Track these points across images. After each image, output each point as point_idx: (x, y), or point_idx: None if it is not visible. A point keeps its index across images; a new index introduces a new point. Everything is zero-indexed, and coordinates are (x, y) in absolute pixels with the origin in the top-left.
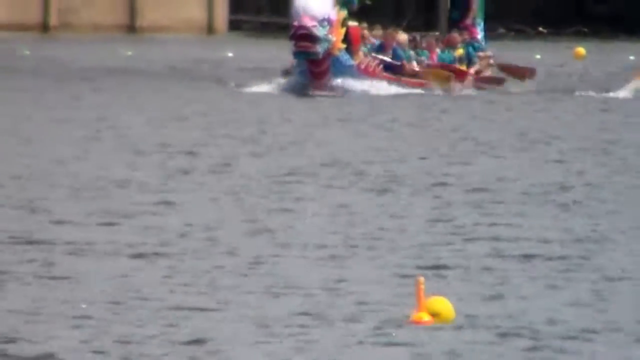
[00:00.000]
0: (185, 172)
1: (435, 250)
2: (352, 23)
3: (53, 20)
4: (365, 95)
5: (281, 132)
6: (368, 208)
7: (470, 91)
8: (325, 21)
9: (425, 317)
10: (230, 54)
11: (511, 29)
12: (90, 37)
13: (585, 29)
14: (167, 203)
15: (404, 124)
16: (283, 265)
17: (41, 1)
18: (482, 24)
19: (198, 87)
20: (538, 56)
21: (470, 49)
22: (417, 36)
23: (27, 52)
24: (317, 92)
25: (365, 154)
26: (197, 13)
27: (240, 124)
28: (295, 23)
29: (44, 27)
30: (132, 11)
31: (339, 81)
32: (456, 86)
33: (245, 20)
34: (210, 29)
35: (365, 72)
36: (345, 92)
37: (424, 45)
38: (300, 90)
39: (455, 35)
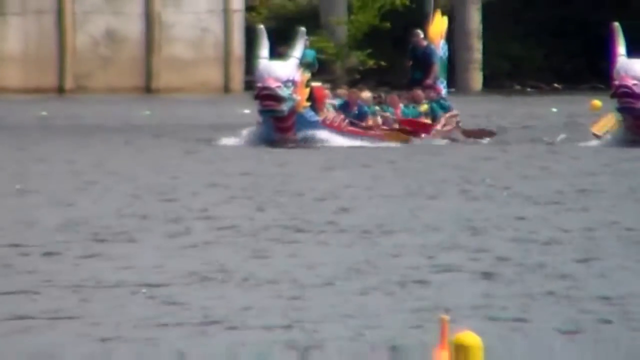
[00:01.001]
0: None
1: None
2: (316, 84)
3: (69, 83)
4: (329, 147)
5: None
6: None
7: (438, 141)
8: (290, 82)
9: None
10: (247, 111)
11: (527, 85)
12: (107, 98)
13: (602, 85)
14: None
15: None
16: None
17: (57, 65)
18: (444, 82)
19: (212, 140)
20: (554, 109)
21: (435, 105)
22: (382, 94)
23: (44, 113)
24: (283, 144)
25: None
26: (213, 75)
27: (224, 174)
28: (259, 84)
29: (60, 91)
30: (148, 74)
31: (304, 134)
32: (422, 138)
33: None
34: (226, 89)
35: (330, 126)
36: (310, 144)
37: (388, 101)
38: (266, 142)
39: (419, 92)
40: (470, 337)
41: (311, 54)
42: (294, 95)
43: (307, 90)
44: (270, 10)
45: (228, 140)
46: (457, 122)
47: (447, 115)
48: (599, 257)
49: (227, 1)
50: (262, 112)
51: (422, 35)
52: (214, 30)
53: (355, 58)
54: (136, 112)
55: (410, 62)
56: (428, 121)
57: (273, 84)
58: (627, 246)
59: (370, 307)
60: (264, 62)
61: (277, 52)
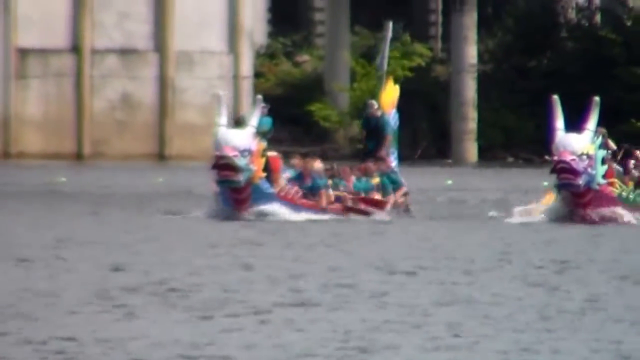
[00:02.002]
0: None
1: None
2: (272, 153)
3: (86, 149)
4: (283, 221)
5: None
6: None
7: (387, 217)
8: (246, 151)
9: None
10: None
11: (519, 157)
12: (122, 165)
13: None
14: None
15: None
16: None
17: (75, 132)
18: (395, 153)
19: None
20: (545, 183)
21: (386, 179)
22: (334, 165)
23: (64, 179)
24: (240, 217)
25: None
26: None
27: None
28: (217, 153)
29: (78, 156)
30: (161, 140)
31: (259, 208)
32: (376, 214)
33: (268, 150)
34: None
35: (284, 199)
36: (264, 217)
37: (340, 173)
38: (224, 216)
39: (371, 165)
40: None
41: (267, 122)
42: (251, 165)
43: (263, 160)
44: (277, 76)
45: (197, 212)
46: (406, 198)
47: (399, 193)
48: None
49: (237, 68)
50: (220, 182)
51: (376, 106)
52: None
53: (357, 127)
54: (149, 180)
55: (365, 133)
56: (379, 197)
57: (230, 153)
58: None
59: None
60: (222, 130)
61: (234, 119)
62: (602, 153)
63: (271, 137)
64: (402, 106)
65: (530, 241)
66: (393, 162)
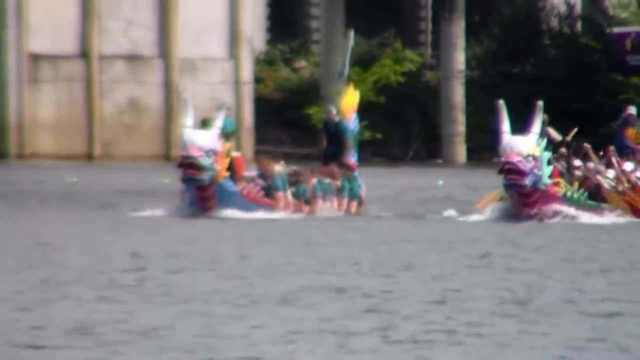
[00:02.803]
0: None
1: None
2: (235, 154)
3: (96, 151)
4: (246, 219)
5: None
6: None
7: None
8: (211, 152)
9: None
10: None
11: None
12: (131, 166)
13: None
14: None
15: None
16: None
17: (86, 134)
18: (355, 156)
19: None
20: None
21: (346, 184)
22: (296, 168)
23: (75, 179)
24: (207, 214)
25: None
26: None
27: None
28: (183, 153)
29: (89, 157)
30: (167, 143)
31: (222, 206)
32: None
33: (268, 151)
34: None
35: (246, 198)
36: (228, 215)
37: (301, 176)
38: (191, 214)
39: (335, 168)
40: None
41: (230, 123)
42: (215, 165)
43: (227, 160)
44: (276, 82)
45: (155, 211)
46: (360, 208)
47: (352, 204)
48: None
49: (238, 73)
50: (185, 180)
51: (334, 112)
52: (226, 100)
53: None
54: (156, 180)
55: (325, 138)
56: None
57: (195, 153)
58: None
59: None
60: (188, 131)
61: (200, 121)
62: (548, 155)
63: (272, 139)
64: (395, 109)
65: (462, 237)
66: (355, 165)
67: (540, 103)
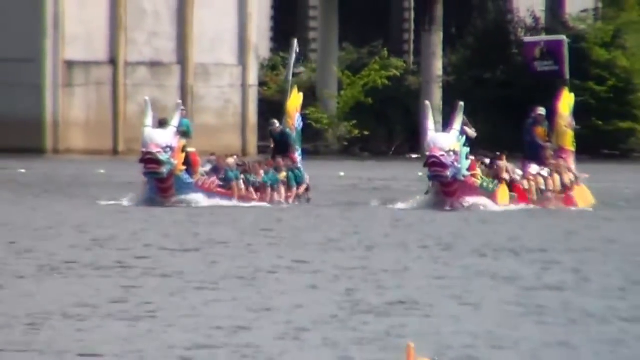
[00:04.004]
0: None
1: None
2: (191, 149)
3: (121, 146)
4: (202, 207)
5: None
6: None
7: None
8: (168, 148)
9: None
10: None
11: (478, 154)
12: None
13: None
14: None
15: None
16: None
17: (112, 132)
18: (299, 150)
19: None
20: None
21: (291, 174)
22: (246, 161)
23: (102, 171)
24: (165, 203)
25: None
26: (233, 139)
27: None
28: (143, 149)
29: (114, 152)
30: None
31: (181, 196)
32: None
33: (268, 146)
34: (244, 152)
35: (202, 188)
36: (186, 204)
37: (250, 168)
38: (152, 203)
39: (280, 161)
40: None
41: (186, 123)
42: (172, 160)
43: (183, 155)
44: (278, 85)
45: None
46: (308, 190)
47: (301, 188)
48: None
49: (245, 78)
50: (146, 174)
51: (277, 124)
52: (234, 102)
53: (344, 128)
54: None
55: (273, 144)
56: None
57: (154, 149)
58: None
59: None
60: (148, 130)
61: (158, 121)
62: (466, 150)
63: (270, 135)
64: (380, 110)
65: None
66: (298, 158)
67: (461, 103)
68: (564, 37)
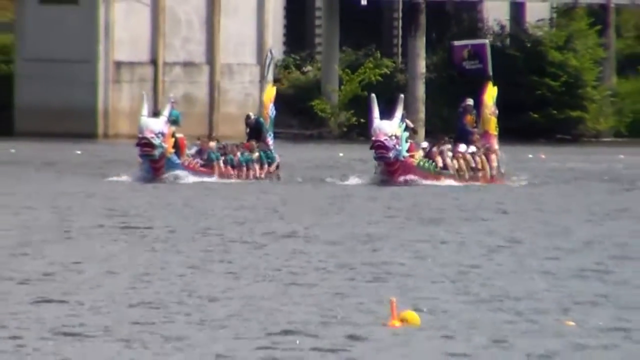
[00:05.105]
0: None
1: None
2: (179, 135)
3: None
4: (189, 183)
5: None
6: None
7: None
8: (160, 134)
9: (397, 323)
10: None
11: (452, 137)
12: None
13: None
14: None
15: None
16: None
17: None
18: (272, 135)
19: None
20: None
21: (263, 155)
22: (225, 144)
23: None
24: (159, 180)
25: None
26: None
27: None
28: (140, 135)
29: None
30: (210, 126)
31: (171, 173)
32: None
33: (280, 132)
34: None
35: (188, 168)
36: (174, 180)
37: (229, 150)
38: (147, 180)
39: (252, 143)
40: (411, 314)
41: (176, 113)
42: (163, 144)
43: (173, 140)
44: (290, 82)
45: (122, 177)
46: (278, 168)
47: (272, 166)
48: None
49: (262, 75)
50: (141, 156)
51: (252, 116)
52: (254, 95)
53: (344, 117)
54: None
55: (248, 131)
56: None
57: (149, 135)
58: None
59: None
60: (143, 119)
61: (153, 112)
62: (406, 134)
63: (284, 124)
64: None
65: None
66: (270, 141)
67: (402, 96)
68: (486, 41)
